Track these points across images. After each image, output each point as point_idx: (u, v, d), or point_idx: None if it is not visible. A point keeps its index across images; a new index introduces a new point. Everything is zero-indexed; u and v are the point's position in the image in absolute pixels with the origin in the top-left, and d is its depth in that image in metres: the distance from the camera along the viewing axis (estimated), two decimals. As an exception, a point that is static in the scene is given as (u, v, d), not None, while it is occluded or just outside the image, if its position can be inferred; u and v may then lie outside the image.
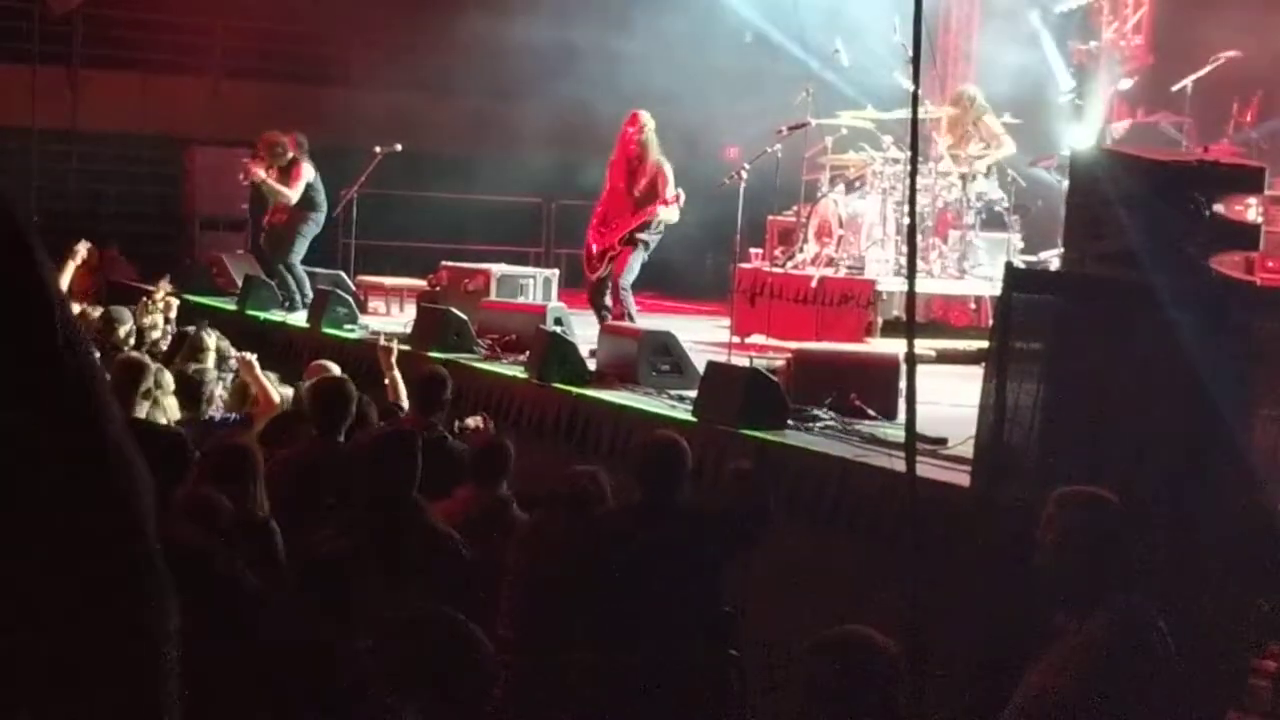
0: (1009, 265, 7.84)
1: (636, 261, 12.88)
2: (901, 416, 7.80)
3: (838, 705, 4.54)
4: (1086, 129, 14.53)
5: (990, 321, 9.77)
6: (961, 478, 7.13)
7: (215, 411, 9.57)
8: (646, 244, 12.91)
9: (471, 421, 9.32)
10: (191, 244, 19.62)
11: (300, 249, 15.83)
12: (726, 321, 13.71)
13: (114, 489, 1.38)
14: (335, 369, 9.96)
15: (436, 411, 8.72)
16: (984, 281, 13.69)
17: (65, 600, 1.33)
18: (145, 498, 1.40)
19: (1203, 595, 5.82)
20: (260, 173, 15.75)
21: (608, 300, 12.89)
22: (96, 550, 1.35)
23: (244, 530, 6.23)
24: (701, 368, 9.90)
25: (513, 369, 11.54)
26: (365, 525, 6.25)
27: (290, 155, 15.72)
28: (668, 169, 12.82)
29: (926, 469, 7.35)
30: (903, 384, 7.87)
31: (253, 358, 10.03)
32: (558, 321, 12.20)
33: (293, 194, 15.60)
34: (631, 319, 12.60)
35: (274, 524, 6.65)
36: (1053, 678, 4.91)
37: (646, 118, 12.92)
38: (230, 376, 10.40)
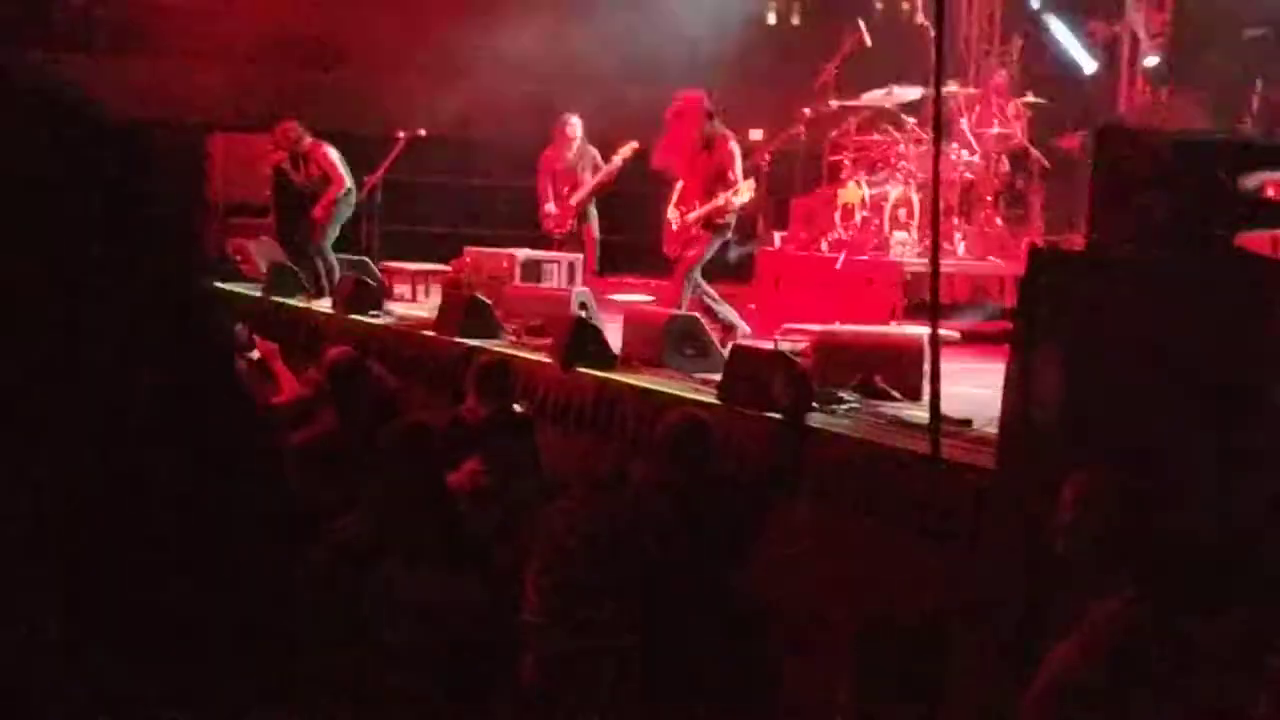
0: (1032, 246, 7.82)
1: (709, 250, 12.54)
2: (926, 398, 7.80)
3: (891, 685, 4.57)
4: (1110, 107, 14.47)
5: (1014, 302, 9.75)
6: (987, 459, 7.12)
7: None
8: (724, 229, 12.56)
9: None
10: (216, 231, 19.63)
11: (332, 234, 15.88)
12: (751, 305, 13.70)
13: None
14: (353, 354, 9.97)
15: (499, 399, 8.72)
16: (1008, 262, 13.66)
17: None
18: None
19: (1227, 579, 5.80)
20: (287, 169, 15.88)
21: (700, 281, 12.53)
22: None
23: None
24: (726, 351, 9.90)
25: (538, 354, 11.55)
26: (388, 512, 6.27)
27: (306, 140, 15.81)
28: (735, 149, 12.63)
29: (952, 450, 7.34)
30: (927, 366, 7.87)
31: (275, 347, 10.06)
32: (582, 306, 12.20)
33: (340, 176, 15.68)
34: (713, 312, 12.18)
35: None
36: (1073, 660, 4.91)
37: (705, 98, 12.78)
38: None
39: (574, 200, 15.40)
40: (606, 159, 15.28)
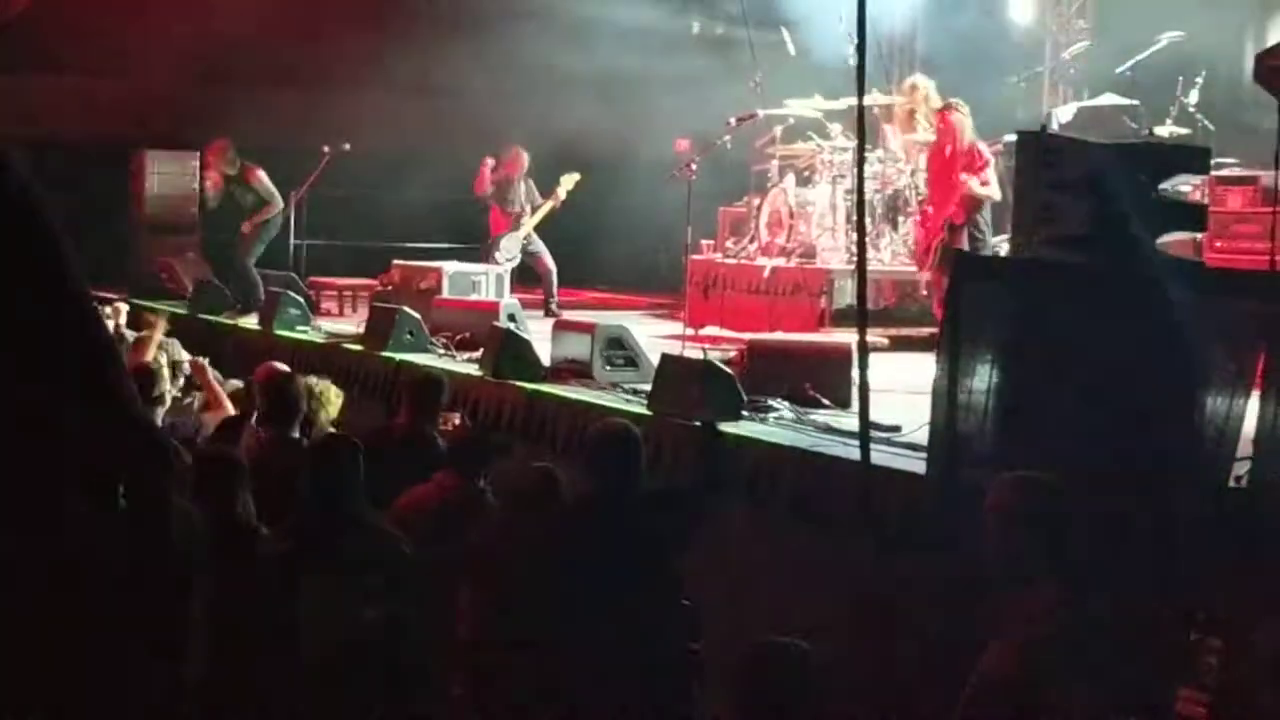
0: (958, 252, 7.88)
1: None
2: (856, 405, 7.83)
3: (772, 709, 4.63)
4: (1032, 113, 14.58)
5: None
6: (917, 465, 7.16)
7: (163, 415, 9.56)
8: (978, 232, 12.19)
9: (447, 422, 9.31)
10: (141, 249, 19.45)
11: (258, 250, 15.86)
12: (680, 314, 13.73)
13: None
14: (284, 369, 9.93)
15: (432, 415, 8.70)
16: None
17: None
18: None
19: (1151, 573, 5.86)
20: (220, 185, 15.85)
21: None
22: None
23: (234, 535, 6.23)
24: (656, 361, 9.90)
25: (468, 366, 11.53)
26: (305, 527, 6.25)
27: (238, 162, 15.78)
28: (984, 150, 12.48)
29: (882, 457, 7.37)
30: (856, 372, 7.90)
31: (205, 362, 10.01)
32: (511, 318, 12.19)
33: (273, 198, 15.68)
34: None
35: (264, 529, 6.61)
36: (1001, 658, 4.96)
37: (955, 110, 12.72)
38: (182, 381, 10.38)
39: (521, 233, 15.61)
40: (543, 184, 15.42)
